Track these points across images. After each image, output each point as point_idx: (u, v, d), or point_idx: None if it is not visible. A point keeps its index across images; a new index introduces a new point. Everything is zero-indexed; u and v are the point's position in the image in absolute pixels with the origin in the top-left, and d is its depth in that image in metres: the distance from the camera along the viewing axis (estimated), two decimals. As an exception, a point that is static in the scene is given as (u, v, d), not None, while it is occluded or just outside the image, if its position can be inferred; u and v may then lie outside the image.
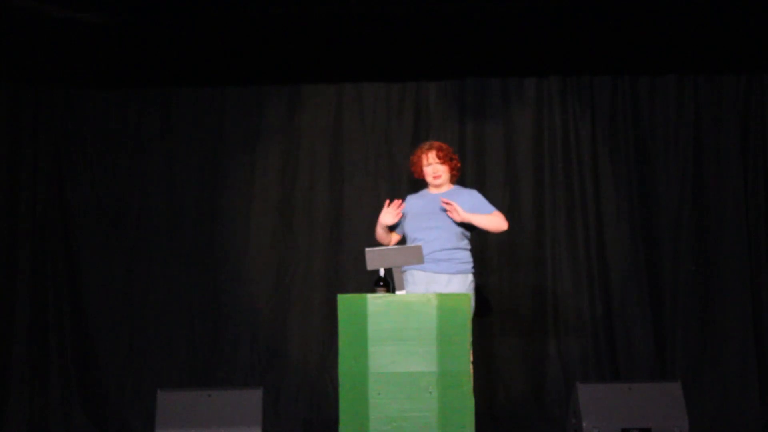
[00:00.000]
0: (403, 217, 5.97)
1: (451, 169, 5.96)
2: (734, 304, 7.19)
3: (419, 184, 7.34)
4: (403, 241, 6.05)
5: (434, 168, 5.91)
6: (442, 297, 5.10)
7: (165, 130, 7.45)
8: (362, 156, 7.43)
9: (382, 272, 5.25)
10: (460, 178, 6.23)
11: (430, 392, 4.95)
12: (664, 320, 7.22)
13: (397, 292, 5.21)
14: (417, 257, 5.33)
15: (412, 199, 6.05)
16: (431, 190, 5.99)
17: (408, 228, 5.92)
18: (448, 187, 5.97)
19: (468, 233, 5.88)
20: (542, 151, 7.37)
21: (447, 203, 5.71)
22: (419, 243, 5.74)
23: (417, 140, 7.39)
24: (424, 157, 5.95)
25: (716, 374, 7.13)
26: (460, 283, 5.79)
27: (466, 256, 5.84)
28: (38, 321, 7.26)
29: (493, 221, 5.83)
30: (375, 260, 5.26)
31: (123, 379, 7.24)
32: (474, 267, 5.90)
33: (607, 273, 7.27)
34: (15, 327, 7.21)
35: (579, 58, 7.24)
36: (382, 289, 5.20)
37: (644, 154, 7.36)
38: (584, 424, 6.19)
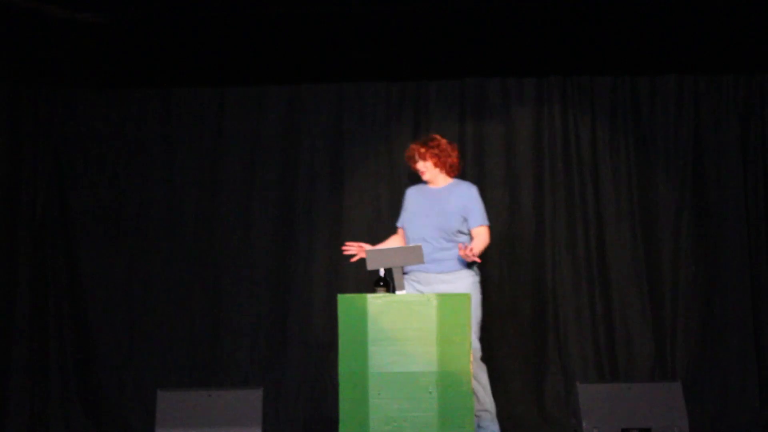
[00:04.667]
0: (404, 211, 6.01)
1: (438, 164, 5.95)
2: (734, 304, 7.18)
3: (419, 181, 7.38)
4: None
5: (419, 165, 5.95)
6: (442, 297, 5.11)
7: (165, 130, 7.45)
8: (362, 156, 7.43)
9: (382, 272, 5.26)
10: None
11: (430, 392, 4.96)
12: (664, 320, 7.22)
13: (397, 292, 5.21)
14: (417, 257, 5.34)
15: (412, 194, 6.06)
16: (429, 185, 6.01)
17: (406, 224, 5.95)
18: (445, 182, 5.97)
19: (465, 228, 5.88)
20: (542, 151, 7.36)
21: (462, 249, 5.70)
22: (418, 243, 5.77)
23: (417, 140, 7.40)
24: (411, 152, 5.98)
25: (716, 374, 7.13)
26: (465, 279, 5.82)
27: None
28: (38, 321, 7.26)
29: (480, 247, 5.87)
30: (375, 260, 5.27)
31: (123, 379, 7.24)
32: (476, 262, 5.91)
33: (607, 273, 7.27)
34: (15, 327, 7.21)
35: (579, 58, 7.24)
36: (382, 289, 5.21)
37: (644, 154, 7.36)
38: (584, 424, 6.19)
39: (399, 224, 6.09)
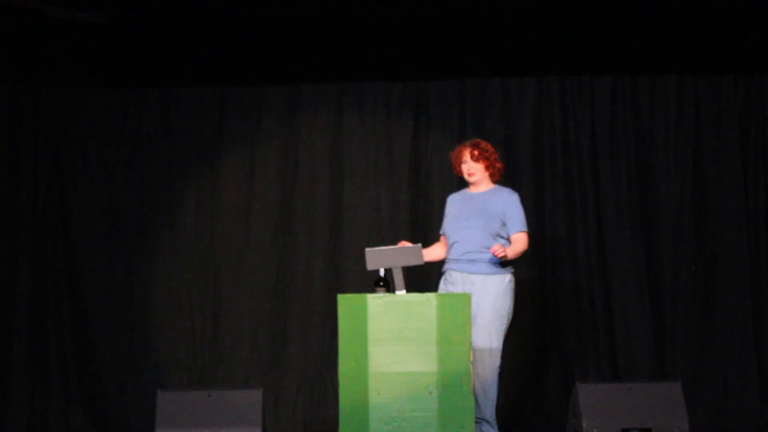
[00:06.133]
0: (445, 217, 6.02)
1: (488, 168, 5.97)
2: (734, 304, 7.18)
3: (419, 185, 7.37)
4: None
5: (468, 165, 5.96)
6: (442, 297, 5.12)
7: (165, 130, 7.45)
8: (362, 156, 7.43)
9: (382, 272, 5.26)
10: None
11: (430, 392, 4.96)
12: (664, 320, 7.22)
13: (397, 292, 5.21)
14: (416, 257, 5.34)
15: (453, 200, 6.08)
16: (470, 190, 6.03)
17: (447, 229, 5.96)
18: (488, 187, 5.99)
19: (504, 233, 5.88)
20: (542, 151, 7.36)
21: (496, 251, 5.70)
22: (456, 244, 5.82)
23: (417, 140, 7.41)
24: (460, 154, 5.99)
25: (716, 374, 7.13)
26: (497, 283, 5.80)
27: None
28: (38, 321, 7.26)
29: (517, 250, 5.87)
30: (375, 260, 5.27)
31: (123, 379, 7.24)
32: (512, 267, 5.91)
33: (607, 273, 7.27)
34: (15, 327, 7.21)
35: (579, 58, 7.25)
36: (382, 289, 5.21)
37: (644, 154, 7.36)
38: (584, 424, 6.18)
39: (441, 231, 6.07)
